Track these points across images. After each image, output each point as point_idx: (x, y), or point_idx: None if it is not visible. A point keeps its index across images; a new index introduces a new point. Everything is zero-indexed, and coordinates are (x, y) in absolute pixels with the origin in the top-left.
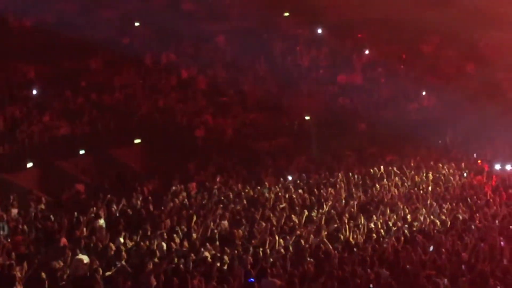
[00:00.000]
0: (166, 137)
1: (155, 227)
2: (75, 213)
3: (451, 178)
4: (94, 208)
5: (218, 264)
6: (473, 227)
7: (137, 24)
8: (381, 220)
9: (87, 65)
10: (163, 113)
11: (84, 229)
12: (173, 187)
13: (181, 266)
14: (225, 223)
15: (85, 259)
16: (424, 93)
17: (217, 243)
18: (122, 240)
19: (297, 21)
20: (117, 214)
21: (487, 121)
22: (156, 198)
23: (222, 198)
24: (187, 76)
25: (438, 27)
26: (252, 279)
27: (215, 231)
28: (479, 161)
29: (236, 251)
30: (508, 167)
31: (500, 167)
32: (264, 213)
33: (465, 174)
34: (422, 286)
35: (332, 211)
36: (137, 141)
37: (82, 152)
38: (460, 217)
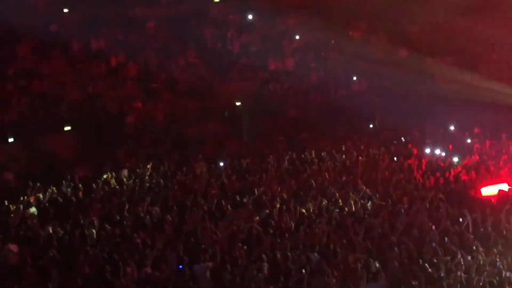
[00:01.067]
0: (96, 124)
1: (86, 214)
2: (5, 202)
3: (381, 162)
4: (25, 197)
5: (150, 251)
6: (402, 210)
7: (65, 10)
8: (312, 205)
9: (14, 52)
10: (93, 100)
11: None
12: (104, 174)
13: (113, 253)
14: (157, 209)
15: (16, 248)
16: (354, 78)
17: (149, 230)
18: (52, 228)
19: (227, 7)
20: (46, 202)
21: (417, 106)
22: (86, 186)
23: (153, 184)
24: (116, 62)
25: (368, 12)
26: (181, 266)
27: (147, 217)
28: (409, 145)
29: (168, 238)
30: (437, 151)
31: (429, 151)
32: (196, 199)
33: (395, 158)
34: (353, 269)
35: (264, 196)
36: (67, 128)
37: (11, 140)
38: (390, 201)
